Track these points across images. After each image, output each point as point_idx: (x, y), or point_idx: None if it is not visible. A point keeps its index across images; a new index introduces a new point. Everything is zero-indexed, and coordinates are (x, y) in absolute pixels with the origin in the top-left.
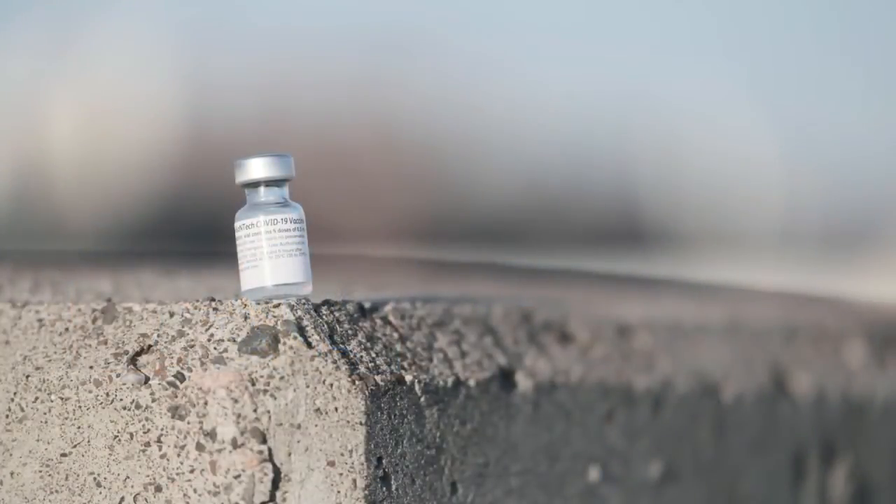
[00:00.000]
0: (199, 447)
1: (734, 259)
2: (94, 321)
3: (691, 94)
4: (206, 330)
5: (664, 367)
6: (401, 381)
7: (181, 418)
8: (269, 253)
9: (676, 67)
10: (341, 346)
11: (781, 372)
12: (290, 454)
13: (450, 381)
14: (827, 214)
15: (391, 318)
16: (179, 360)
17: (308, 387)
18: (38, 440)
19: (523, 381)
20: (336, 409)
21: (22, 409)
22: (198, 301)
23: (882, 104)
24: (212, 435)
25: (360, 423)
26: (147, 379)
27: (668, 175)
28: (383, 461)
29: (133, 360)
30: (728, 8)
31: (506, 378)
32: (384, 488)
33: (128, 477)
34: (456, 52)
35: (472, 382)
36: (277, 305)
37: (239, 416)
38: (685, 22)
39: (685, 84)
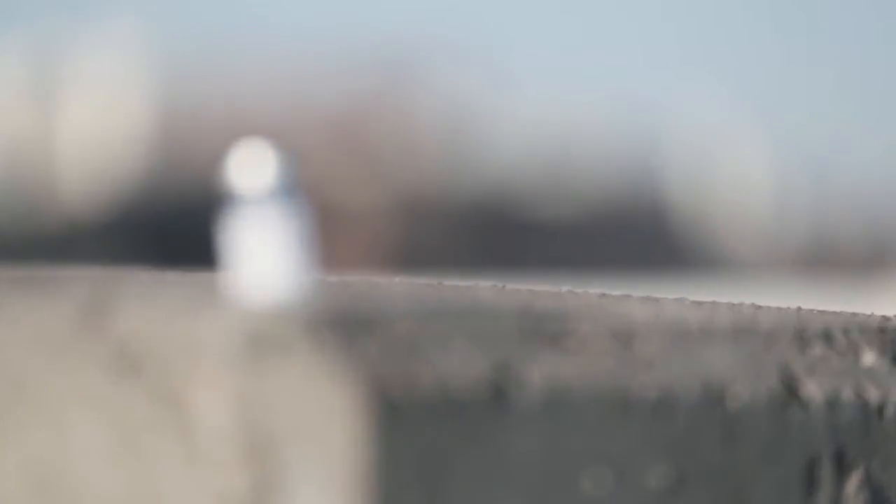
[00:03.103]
0: (193, 454)
1: (738, 284)
2: (81, 321)
3: (696, 109)
4: (202, 332)
5: (670, 372)
6: (403, 387)
7: (174, 424)
8: (269, 253)
9: (683, 85)
10: (344, 350)
11: (792, 377)
12: (289, 462)
13: (452, 386)
14: (834, 239)
15: (397, 323)
16: (173, 363)
17: (309, 392)
18: (21, 446)
19: (524, 386)
20: (338, 415)
21: (3, 415)
22: (194, 302)
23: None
24: (207, 441)
25: (363, 431)
26: (138, 383)
27: (673, 194)
28: (385, 470)
29: (123, 363)
30: (737, 29)
31: (507, 383)
32: (387, 499)
33: (117, 484)
34: (472, 64)
35: (473, 387)
36: (277, 308)
37: (236, 421)
38: (696, 51)
39: (690, 104)
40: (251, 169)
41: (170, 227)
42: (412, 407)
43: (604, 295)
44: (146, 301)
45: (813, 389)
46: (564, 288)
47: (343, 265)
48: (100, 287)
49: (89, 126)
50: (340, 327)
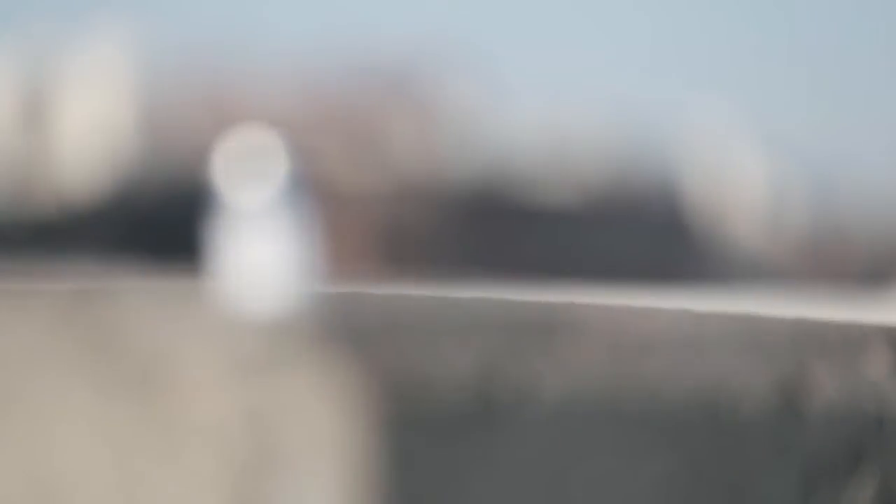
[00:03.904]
0: (192, 468)
1: (740, 289)
2: (70, 319)
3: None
4: (200, 332)
5: (668, 378)
6: (408, 394)
7: (168, 428)
8: (271, 253)
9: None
10: (346, 362)
11: (794, 383)
12: (290, 468)
13: (455, 393)
14: (838, 243)
15: (399, 334)
16: (168, 363)
17: (310, 404)
18: (10, 461)
19: (526, 393)
20: (340, 427)
21: None
22: (191, 311)
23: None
24: (206, 455)
25: (366, 439)
26: (131, 386)
27: (673, 194)
28: (390, 480)
29: (118, 376)
30: (738, 31)
31: (509, 391)
32: None
33: (109, 492)
34: (475, 63)
35: (475, 395)
36: (278, 309)
37: (236, 434)
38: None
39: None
40: (251, 162)
41: (166, 220)
42: (415, 418)
43: (602, 300)
44: (142, 309)
45: (815, 396)
46: (563, 291)
47: (346, 258)
48: (93, 296)
49: (84, 120)
50: (342, 338)
